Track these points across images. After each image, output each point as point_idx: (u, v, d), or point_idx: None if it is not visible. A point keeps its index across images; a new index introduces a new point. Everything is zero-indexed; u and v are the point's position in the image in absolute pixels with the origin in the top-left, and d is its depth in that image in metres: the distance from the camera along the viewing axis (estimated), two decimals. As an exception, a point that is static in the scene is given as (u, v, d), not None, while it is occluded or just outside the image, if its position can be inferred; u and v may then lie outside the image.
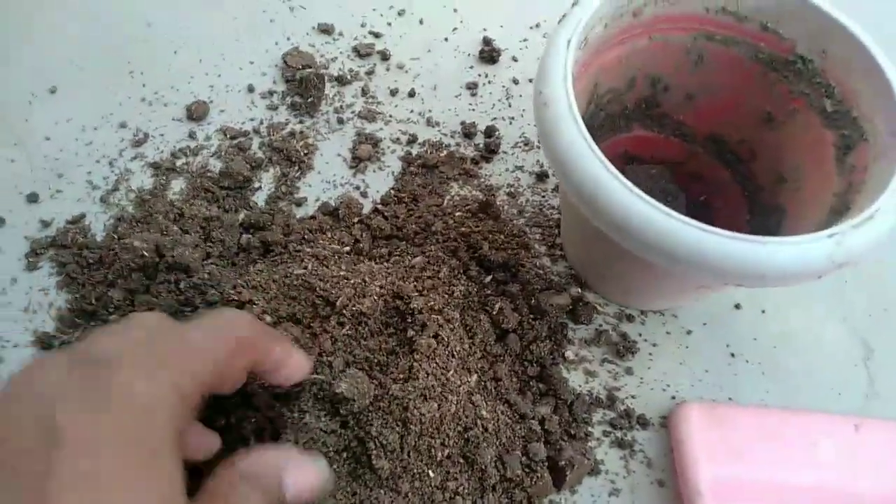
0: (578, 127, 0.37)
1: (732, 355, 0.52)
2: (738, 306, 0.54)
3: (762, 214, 0.50)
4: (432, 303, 0.47)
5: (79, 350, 0.29)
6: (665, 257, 0.35)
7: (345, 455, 0.41)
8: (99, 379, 0.27)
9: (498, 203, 0.57)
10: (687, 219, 0.34)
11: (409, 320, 0.46)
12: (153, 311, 0.38)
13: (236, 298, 0.47)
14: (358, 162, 0.59)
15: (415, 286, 0.48)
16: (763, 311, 0.54)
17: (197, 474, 0.32)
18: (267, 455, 0.33)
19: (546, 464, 0.46)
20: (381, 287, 0.47)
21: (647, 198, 0.34)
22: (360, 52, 0.65)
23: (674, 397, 0.50)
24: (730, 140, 0.52)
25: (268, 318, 0.45)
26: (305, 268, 0.49)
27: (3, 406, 0.27)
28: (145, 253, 0.48)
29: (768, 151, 0.49)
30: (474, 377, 0.46)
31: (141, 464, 0.26)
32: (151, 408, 0.27)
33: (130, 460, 0.26)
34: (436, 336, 0.45)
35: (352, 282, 0.47)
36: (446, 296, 0.48)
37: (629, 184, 0.35)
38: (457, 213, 0.56)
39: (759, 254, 0.33)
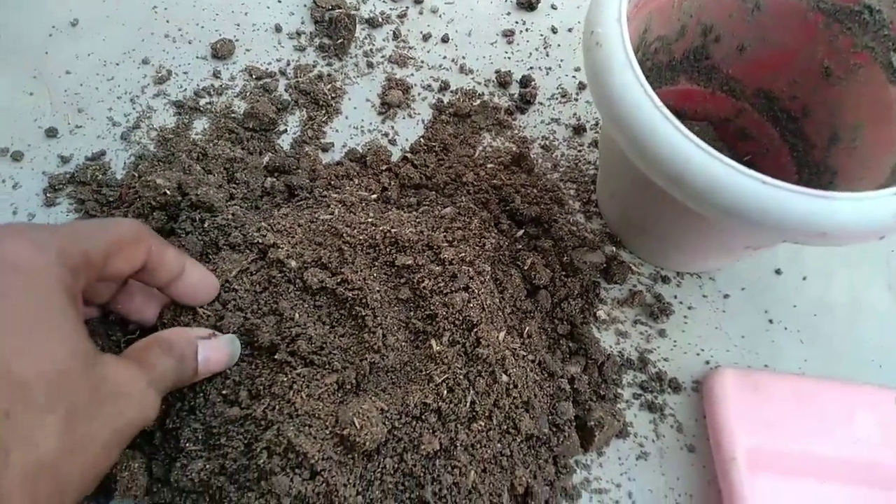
0: (633, 69, 0.34)
1: (771, 321, 0.50)
2: (778, 271, 0.52)
3: (811, 175, 0.48)
4: (463, 254, 0.45)
5: None
6: (722, 210, 0.33)
7: None
8: None
9: (532, 156, 0.54)
10: (747, 169, 0.32)
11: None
12: None
13: (260, 241, 0.45)
14: (387, 108, 0.57)
15: (444, 237, 0.46)
16: (804, 278, 0.52)
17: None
18: (186, 330, 0.38)
19: (574, 423, 0.45)
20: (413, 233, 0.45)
21: (706, 146, 0.32)
22: (393, -6, 0.63)
23: (708, 362, 0.49)
24: (781, 96, 0.50)
25: (293, 263, 0.44)
26: (332, 213, 0.47)
27: None
28: (168, 191, 0.47)
29: (823, 108, 0.47)
30: (502, 333, 0.44)
31: (33, 315, 0.28)
32: (38, 270, 0.29)
33: (21, 311, 0.27)
34: (466, 288, 0.43)
35: (381, 228, 0.45)
36: (477, 248, 0.47)
37: (686, 131, 0.33)
38: (489, 165, 0.54)
39: (823, 209, 0.31)
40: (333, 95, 0.57)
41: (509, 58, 0.60)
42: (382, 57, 0.60)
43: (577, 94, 0.58)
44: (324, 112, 0.56)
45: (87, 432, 0.28)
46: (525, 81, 0.58)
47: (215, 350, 0.38)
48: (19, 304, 0.28)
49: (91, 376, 0.29)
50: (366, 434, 0.38)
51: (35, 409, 0.26)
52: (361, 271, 0.44)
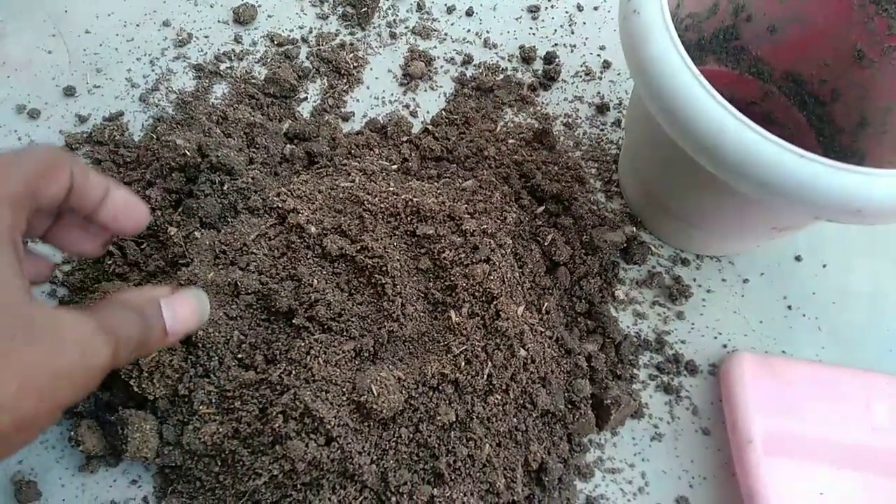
0: (671, 36, 0.34)
1: (789, 308, 0.50)
2: (798, 258, 0.51)
3: (838, 160, 0.47)
4: (485, 226, 0.44)
5: None
6: (755, 182, 0.32)
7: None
8: None
9: (554, 133, 0.54)
10: (784, 142, 0.31)
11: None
12: None
13: (280, 206, 0.45)
14: (409, 80, 0.56)
15: (466, 208, 0.46)
16: (824, 266, 0.51)
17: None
18: (144, 288, 0.36)
19: (590, 401, 0.44)
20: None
21: (744, 118, 0.32)
22: (417, -35, 0.62)
23: (725, 346, 0.48)
24: (809, 79, 0.49)
25: (312, 229, 0.43)
26: (353, 181, 0.47)
27: None
28: (187, 152, 0.46)
29: (853, 92, 0.46)
30: (521, 308, 0.44)
31: None
32: None
33: None
34: (487, 260, 0.43)
35: (402, 197, 0.45)
36: (499, 221, 0.46)
37: (725, 102, 0.32)
38: (510, 141, 0.53)
39: (861, 185, 0.31)
40: (355, 65, 0.56)
41: (534, 33, 0.59)
42: (406, 28, 0.59)
43: (601, 72, 0.58)
44: (345, 81, 0.56)
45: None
46: (549, 58, 0.58)
47: (181, 304, 0.35)
48: None
49: (17, 310, 0.27)
50: (383, 402, 0.38)
51: None
52: (382, 239, 0.43)
